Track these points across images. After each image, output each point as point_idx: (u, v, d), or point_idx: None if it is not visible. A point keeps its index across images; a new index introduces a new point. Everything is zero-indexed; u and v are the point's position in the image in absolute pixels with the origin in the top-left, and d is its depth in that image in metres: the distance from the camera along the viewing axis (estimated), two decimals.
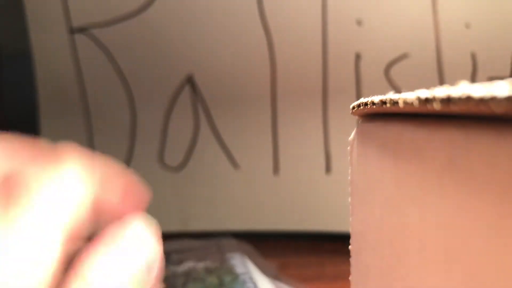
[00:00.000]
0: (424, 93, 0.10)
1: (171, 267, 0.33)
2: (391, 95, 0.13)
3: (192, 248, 0.38)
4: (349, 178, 0.17)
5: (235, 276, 0.31)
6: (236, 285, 0.30)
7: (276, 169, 0.41)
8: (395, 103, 0.12)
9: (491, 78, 0.38)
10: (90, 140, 0.43)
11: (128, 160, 0.43)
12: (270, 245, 0.39)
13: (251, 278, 0.30)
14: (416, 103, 0.11)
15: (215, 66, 0.40)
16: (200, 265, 0.34)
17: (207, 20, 0.40)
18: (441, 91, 0.10)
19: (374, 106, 0.14)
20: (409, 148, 0.12)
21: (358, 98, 0.16)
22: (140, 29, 0.40)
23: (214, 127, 0.42)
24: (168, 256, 0.36)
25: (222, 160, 0.42)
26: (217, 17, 0.39)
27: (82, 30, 0.41)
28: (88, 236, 0.14)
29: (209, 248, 0.38)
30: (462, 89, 0.09)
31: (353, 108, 0.16)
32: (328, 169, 0.41)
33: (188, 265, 0.34)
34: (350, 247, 0.17)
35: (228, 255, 0.36)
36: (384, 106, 0.13)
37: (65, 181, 0.13)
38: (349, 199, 0.17)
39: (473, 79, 0.38)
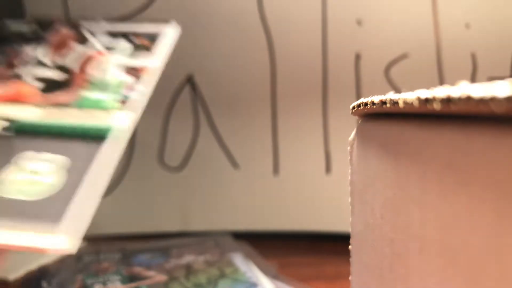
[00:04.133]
0: (424, 93, 0.10)
1: (172, 260, 0.34)
2: (391, 95, 0.13)
3: (191, 243, 0.38)
4: (349, 178, 0.17)
5: (235, 268, 0.31)
6: (237, 276, 0.30)
7: (276, 169, 0.41)
8: (395, 103, 0.12)
9: (491, 78, 0.38)
10: None
11: (128, 160, 0.43)
12: (270, 245, 0.39)
13: (251, 272, 0.31)
14: (416, 103, 0.11)
15: (215, 66, 0.40)
16: (201, 258, 0.34)
17: (207, 20, 0.40)
18: (441, 91, 0.10)
19: (374, 106, 0.14)
20: (409, 148, 0.12)
21: (358, 98, 0.16)
22: None
23: (214, 127, 0.42)
24: (168, 251, 0.36)
25: (222, 160, 0.42)
26: (217, 17, 0.39)
27: None
28: None
29: (207, 243, 0.38)
30: (462, 89, 0.09)
31: (353, 108, 0.16)
32: (328, 169, 0.41)
33: (188, 258, 0.34)
34: (350, 247, 0.17)
35: (227, 250, 0.36)
36: (384, 106, 0.13)
37: None
38: (349, 199, 0.17)
39: (473, 79, 0.38)
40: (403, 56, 0.38)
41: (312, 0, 0.38)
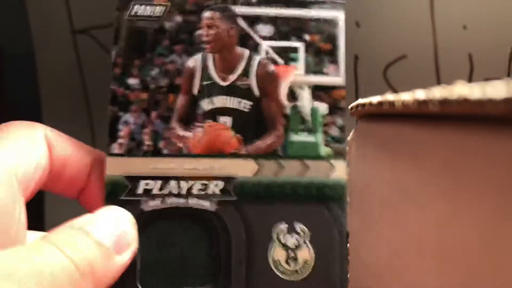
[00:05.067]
0: (421, 94, 0.10)
1: None
2: (389, 96, 0.13)
3: None
4: (347, 177, 0.18)
5: None
6: None
7: None
8: (392, 104, 0.12)
9: (487, 79, 0.38)
10: (92, 139, 0.43)
11: None
12: None
13: None
14: (413, 104, 0.11)
15: None
16: None
17: None
18: (438, 92, 0.10)
19: (372, 107, 0.14)
20: (407, 148, 0.12)
21: (356, 99, 0.16)
22: None
23: None
24: None
25: None
26: None
27: (84, 31, 0.41)
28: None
29: None
30: (459, 90, 0.09)
31: (352, 108, 0.16)
32: None
33: None
34: (348, 245, 0.17)
35: None
36: (382, 107, 0.13)
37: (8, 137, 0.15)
38: (348, 199, 0.17)
39: (470, 79, 0.38)
40: (401, 57, 0.38)
41: None
